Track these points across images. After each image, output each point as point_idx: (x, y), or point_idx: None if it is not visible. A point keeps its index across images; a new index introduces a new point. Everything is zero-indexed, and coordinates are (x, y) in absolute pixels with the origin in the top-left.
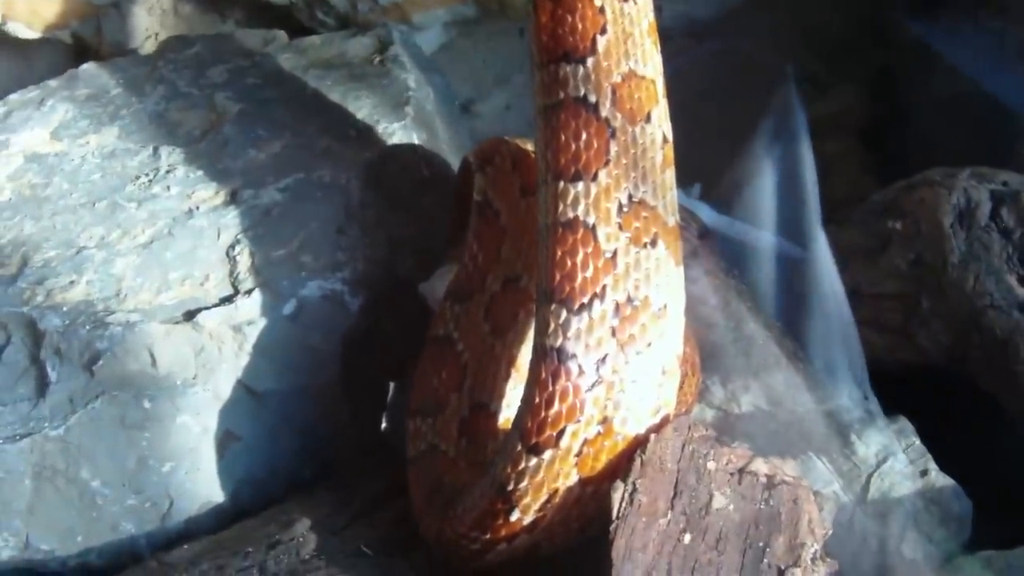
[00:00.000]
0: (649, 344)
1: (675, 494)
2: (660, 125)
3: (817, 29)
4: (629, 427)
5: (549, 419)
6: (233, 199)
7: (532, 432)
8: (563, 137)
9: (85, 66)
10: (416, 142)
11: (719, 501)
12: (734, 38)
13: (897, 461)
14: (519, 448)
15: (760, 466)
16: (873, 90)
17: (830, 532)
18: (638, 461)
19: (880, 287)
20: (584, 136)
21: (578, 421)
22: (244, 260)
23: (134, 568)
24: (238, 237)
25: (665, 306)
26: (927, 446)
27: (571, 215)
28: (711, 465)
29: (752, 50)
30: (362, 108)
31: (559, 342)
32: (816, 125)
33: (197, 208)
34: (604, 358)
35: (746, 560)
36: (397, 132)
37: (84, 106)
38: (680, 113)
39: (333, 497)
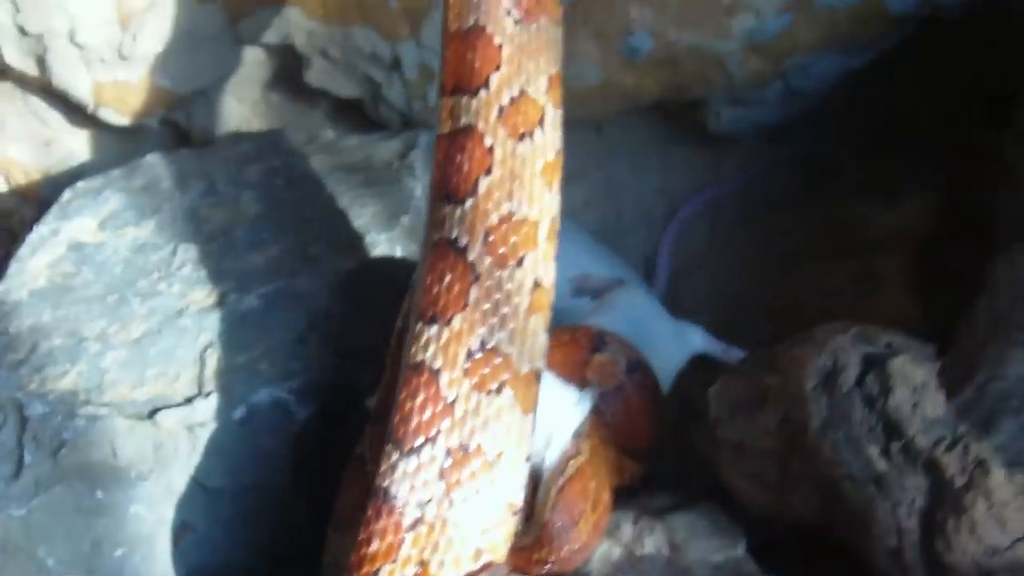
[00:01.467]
0: (477, 491)
1: None
2: (534, 270)
3: (896, 135)
4: (446, 571)
5: (367, 556)
6: (221, 302)
7: (352, 569)
8: (429, 279)
9: (148, 157)
10: (400, 255)
11: None
12: (811, 143)
13: None
14: None
15: None
16: (944, 201)
17: None
18: None
19: (758, 442)
20: (447, 279)
21: (394, 561)
22: (211, 363)
23: None
24: (212, 340)
25: (500, 454)
26: None
27: (419, 358)
28: None
29: (829, 156)
30: (363, 215)
31: (386, 482)
32: (880, 237)
33: (188, 308)
34: (428, 501)
35: None
36: (381, 243)
37: (135, 197)
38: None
39: None
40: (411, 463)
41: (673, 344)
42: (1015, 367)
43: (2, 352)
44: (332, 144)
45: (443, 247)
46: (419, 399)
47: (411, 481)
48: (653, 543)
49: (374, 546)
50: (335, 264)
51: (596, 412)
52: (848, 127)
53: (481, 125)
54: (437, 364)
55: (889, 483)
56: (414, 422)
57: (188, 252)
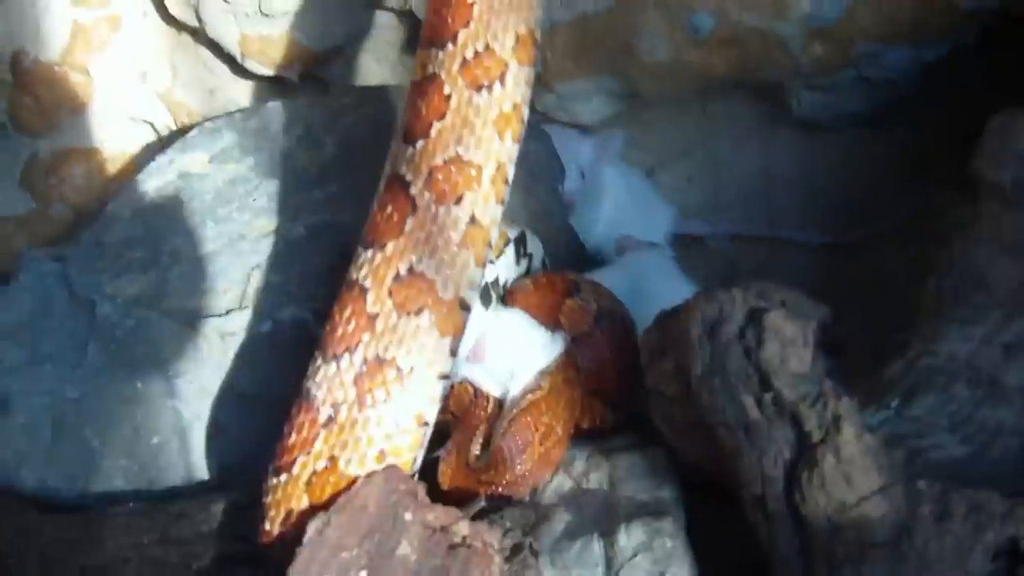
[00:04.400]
0: (386, 399)
1: (366, 534)
2: (472, 208)
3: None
4: (352, 468)
5: (287, 447)
6: (276, 230)
7: (277, 455)
8: (375, 210)
9: (269, 103)
10: None
11: (403, 549)
12: (906, 133)
13: (644, 559)
14: (269, 469)
15: (462, 528)
16: None
17: None
18: (343, 499)
19: (665, 388)
20: (389, 209)
21: (308, 453)
22: (254, 282)
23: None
24: (260, 263)
25: (412, 369)
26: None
27: (353, 277)
28: (408, 516)
29: (922, 147)
30: None
31: (309, 383)
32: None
33: (249, 234)
34: (341, 403)
35: None
36: None
37: (245, 137)
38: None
39: None
40: (331, 368)
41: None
42: (948, 344)
43: (93, 259)
44: None
45: (392, 182)
46: (346, 313)
47: (328, 384)
48: (597, 479)
49: (292, 438)
50: None
51: (568, 355)
52: (943, 119)
53: (443, 75)
54: (367, 284)
55: (758, 432)
56: (339, 332)
57: (269, 187)
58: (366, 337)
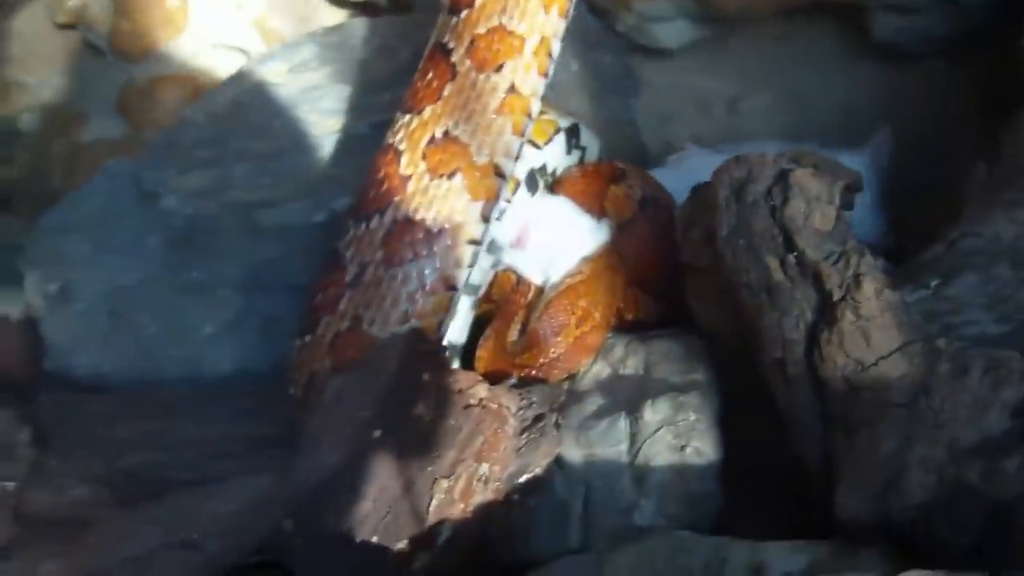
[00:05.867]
0: (413, 260)
1: (385, 396)
2: (512, 76)
3: None
4: (375, 329)
5: (312, 307)
6: (342, 129)
7: (304, 315)
8: (416, 75)
9: (353, 20)
10: None
11: (420, 409)
12: (991, 66)
13: (667, 432)
14: (297, 330)
15: (480, 391)
16: None
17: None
18: (363, 360)
19: (697, 260)
20: (429, 75)
21: (333, 313)
22: (316, 173)
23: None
24: (322, 157)
25: (440, 231)
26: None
27: (390, 141)
28: (425, 376)
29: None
30: None
31: (338, 244)
32: None
33: (314, 132)
34: (367, 264)
35: (414, 464)
36: None
37: (325, 50)
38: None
39: None
40: (360, 228)
41: None
42: (993, 226)
43: (163, 158)
44: None
45: (435, 50)
46: (379, 175)
47: (357, 244)
48: (633, 364)
49: (318, 298)
50: None
51: (612, 243)
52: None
53: None
54: (402, 147)
55: (780, 293)
56: (371, 194)
57: (342, 92)
58: (397, 198)
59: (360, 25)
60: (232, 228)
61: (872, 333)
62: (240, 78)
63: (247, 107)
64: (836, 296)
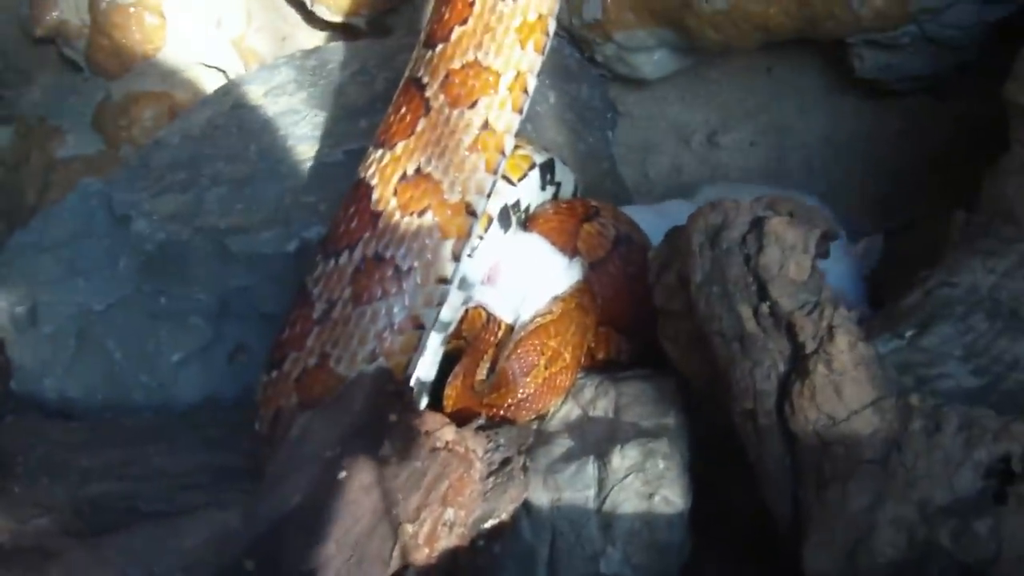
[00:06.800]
0: (380, 298)
1: (350, 435)
2: (486, 112)
3: None
4: (342, 367)
5: (279, 343)
6: (317, 156)
7: (271, 351)
8: (390, 109)
9: (331, 43)
10: None
11: (385, 450)
12: (969, 104)
13: (636, 479)
14: (265, 364)
15: (447, 434)
16: None
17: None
18: (330, 398)
19: (670, 303)
20: (403, 110)
21: (300, 349)
22: (289, 200)
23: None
24: (295, 185)
25: (410, 269)
26: (698, 470)
27: (362, 175)
28: (392, 417)
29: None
30: None
31: (307, 279)
32: None
33: (289, 159)
34: (335, 301)
35: (378, 506)
36: None
37: (302, 74)
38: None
39: None
40: (330, 264)
41: None
42: (970, 275)
43: (136, 179)
44: None
45: (408, 85)
46: (350, 211)
47: (326, 280)
48: (603, 406)
49: (286, 333)
50: None
51: (584, 282)
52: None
53: None
54: (373, 182)
55: (753, 343)
56: (341, 229)
57: (317, 118)
58: (367, 234)
59: (338, 49)
60: (203, 254)
61: (844, 387)
62: (216, 99)
63: (222, 130)
64: (809, 348)
